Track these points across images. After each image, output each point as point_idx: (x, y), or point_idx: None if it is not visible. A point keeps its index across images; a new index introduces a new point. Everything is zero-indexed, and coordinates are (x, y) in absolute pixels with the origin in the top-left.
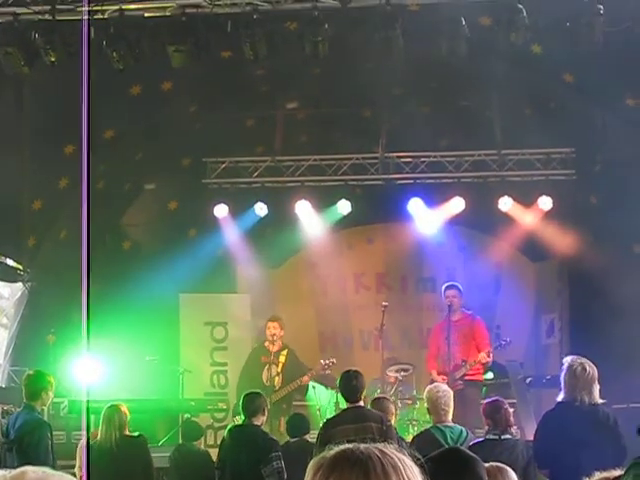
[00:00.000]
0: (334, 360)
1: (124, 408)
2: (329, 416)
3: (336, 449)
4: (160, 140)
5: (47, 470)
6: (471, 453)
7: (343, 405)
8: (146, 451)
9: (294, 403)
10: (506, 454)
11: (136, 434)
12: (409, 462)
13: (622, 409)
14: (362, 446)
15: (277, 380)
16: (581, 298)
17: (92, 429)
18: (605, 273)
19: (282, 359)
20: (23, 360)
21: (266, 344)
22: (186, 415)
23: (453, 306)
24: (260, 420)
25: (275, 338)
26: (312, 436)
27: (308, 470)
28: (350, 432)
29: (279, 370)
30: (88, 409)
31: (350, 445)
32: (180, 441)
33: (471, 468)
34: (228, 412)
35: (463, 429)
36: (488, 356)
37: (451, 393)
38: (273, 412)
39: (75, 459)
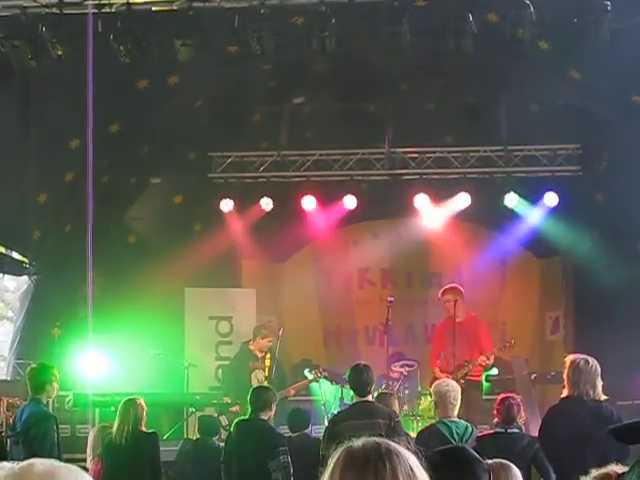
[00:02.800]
0: (326, 374)
1: (141, 402)
2: (334, 411)
3: (363, 441)
4: (166, 134)
5: (55, 462)
6: (475, 454)
7: (348, 400)
8: (156, 449)
9: (300, 398)
10: (511, 447)
11: (149, 431)
12: (417, 461)
13: (626, 406)
14: (390, 444)
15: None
16: (586, 295)
17: (100, 421)
18: (610, 270)
19: (267, 362)
20: (28, 353)
21: (251, 347)
22: (191, 409)
23: (456, 307)
24: (267, 415)
25: (265, 350)
26: (317, 431)
27: (336, 462)
28: (358, 427)
29: (266, 374)
30: (93, 402)
31: (377, 439)
32: (197, 435)
33: (472, 469)
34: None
35: (469, 425)
36: (489, 359)
37: (459, 389)
38: None
39: (84, 452)
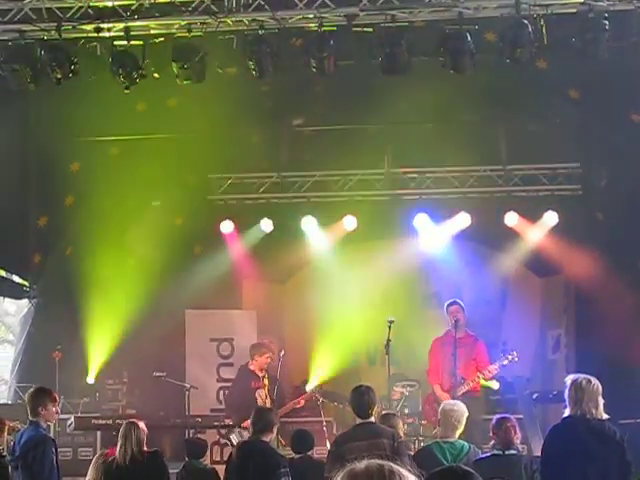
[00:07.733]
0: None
1: (142, 425)
2: (337, 432)
3: (366, 463)
4: (165, 156)
5: None
6: (468, 469)
7: (350, 421)
8: (162, 466)
9: (300, 419)
10: (508, 469)
11: (151, 450)
12: None
13: (628, 425)
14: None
15: (267, 403)
16: (587, 314)
17: (101, 447)
18: (611, 289)
19: (266, 382)
20: (29, 376)
21: (251, 367)
22: (192, 431)
23: (460, 321)
24: (269, 437)
25: (265, 368)
26: (318, 453)
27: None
28: (362, 448)
29: (267, 392)
30: (94, 426)
31: (380, 461)
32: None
33: None
34: None
35: (465, 444)
36: (491, 373)
37: (466, 413)
38: None
39: (85, 475)
